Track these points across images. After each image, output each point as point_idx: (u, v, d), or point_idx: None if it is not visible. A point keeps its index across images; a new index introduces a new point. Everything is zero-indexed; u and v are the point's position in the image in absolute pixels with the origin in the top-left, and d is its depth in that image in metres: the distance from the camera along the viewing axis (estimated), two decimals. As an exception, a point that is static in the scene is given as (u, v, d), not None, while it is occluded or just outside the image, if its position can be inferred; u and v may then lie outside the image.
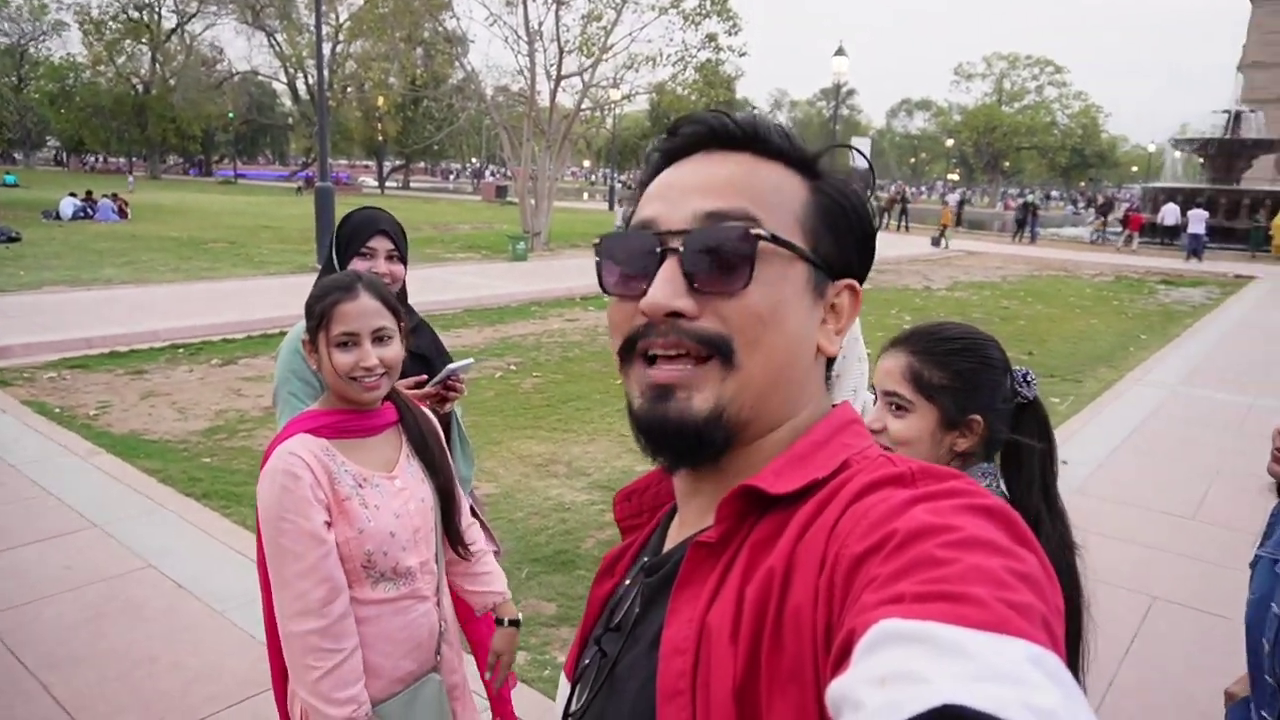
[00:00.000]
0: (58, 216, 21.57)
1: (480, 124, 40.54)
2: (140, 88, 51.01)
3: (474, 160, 66.42)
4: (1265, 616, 1.67)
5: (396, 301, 1.75)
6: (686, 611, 0.63)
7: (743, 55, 22.93)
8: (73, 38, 52.24)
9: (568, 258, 19.09)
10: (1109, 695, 3.27)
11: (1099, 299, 15.56)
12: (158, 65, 51.63)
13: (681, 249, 0.67)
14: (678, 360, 0.67)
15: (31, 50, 55.08)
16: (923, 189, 78.04)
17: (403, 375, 2.32)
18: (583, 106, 22.16)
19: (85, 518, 4.46)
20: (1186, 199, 28.55)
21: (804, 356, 0.70)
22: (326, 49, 36.42)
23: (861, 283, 0.74)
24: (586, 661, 0.77)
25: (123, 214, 22.73)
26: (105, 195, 23.38)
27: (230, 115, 51.80)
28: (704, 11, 21.17)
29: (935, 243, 24.60)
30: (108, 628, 3.46)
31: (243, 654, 3.29)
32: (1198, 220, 23.64)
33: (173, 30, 51.13)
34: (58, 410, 6.39)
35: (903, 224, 31.18)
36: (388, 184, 52.67)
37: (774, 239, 0.67)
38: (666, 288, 0.66)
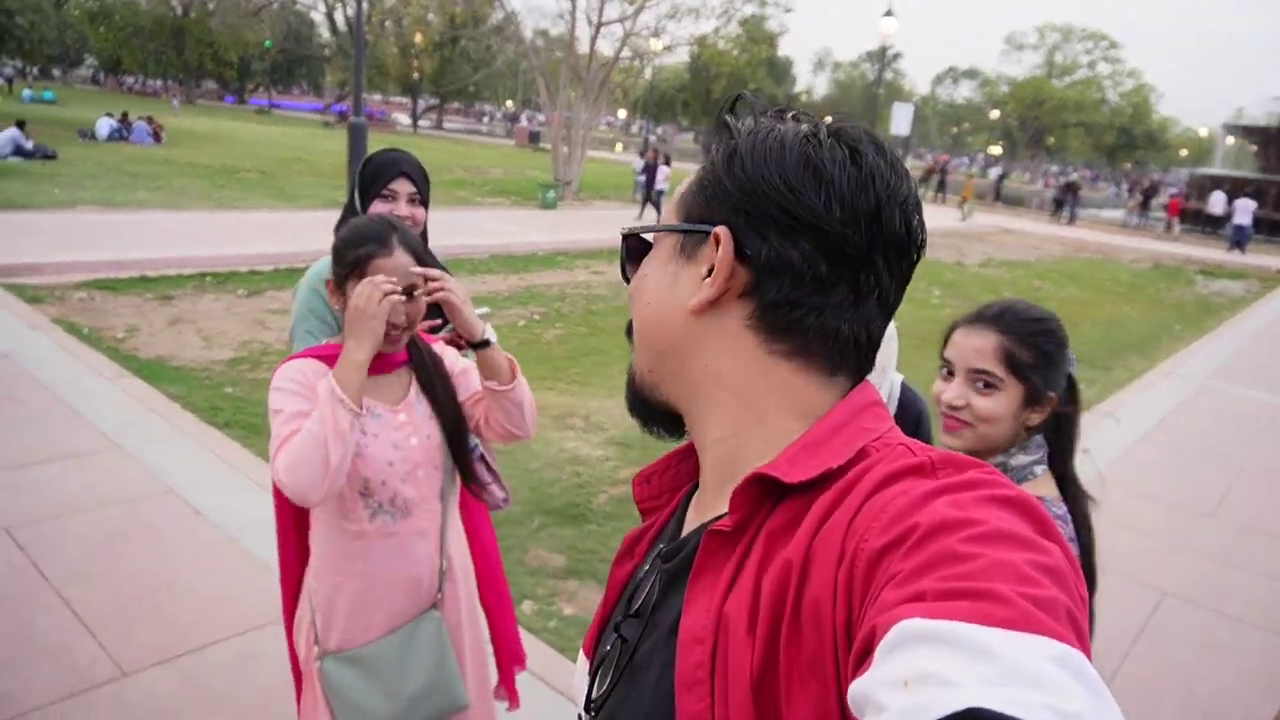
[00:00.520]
0: (93, 136, 21.65)
1: (517, 67, 40.10)
2: (179, 10, 50.77)
3: (509, 104, 65.82)
4: None
5: (425, 254, 1.73)
6: (703, 600, 0.63)
7: (789, 11, 22.47)
8: (115, -45, 51.85)
9: (598, 209, 18.95)
10: (1110, 687, 3.26)
11: (1134, 286, 15.27)
12: (197, -11, 51.35)
13: None
14: None
15: (73, -34, 54.89)
16: (965, 160, 76.51)
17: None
18: (622, 55, 21.82)
19: (109, 439, 4.53)
20: (1234, 187, 27.81)
21: (668, 318, 0.71)
22: (367, -19, 35.96)
23: (783, 225, 0.65)
24: (608, 648, 0.77)
25: (157, 138, 22.78)
26: (141, 118, 23.42)
27: (267, 44, 51.54)
28: (752, -36, 20.68)
29: (962, 217, 24.20)
30: (127, 548, 3.53)
31: (256, 584, 3.35)
32: (1244, 210, 23.01)
33: (214, -47, 50.70)
34: (86, 331, 6.48)
35: (941, 195, 30.67)
36: (421, 123, 52.35)
37: (631, 232, 0.78)
38: None
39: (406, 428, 1.75)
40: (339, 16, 50.99)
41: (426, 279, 1.69)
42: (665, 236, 0.73)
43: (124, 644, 2.93)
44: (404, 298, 1.64)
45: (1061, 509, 1.44)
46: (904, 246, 0.67)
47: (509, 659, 2.16)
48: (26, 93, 35.92)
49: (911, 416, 2.10)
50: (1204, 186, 29.52)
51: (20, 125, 16.48)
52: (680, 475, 0.83)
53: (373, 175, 2.24)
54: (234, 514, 3.87)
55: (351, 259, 1.65)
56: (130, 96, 47.12)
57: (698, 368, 0.70)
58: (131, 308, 7.37)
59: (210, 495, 4.03)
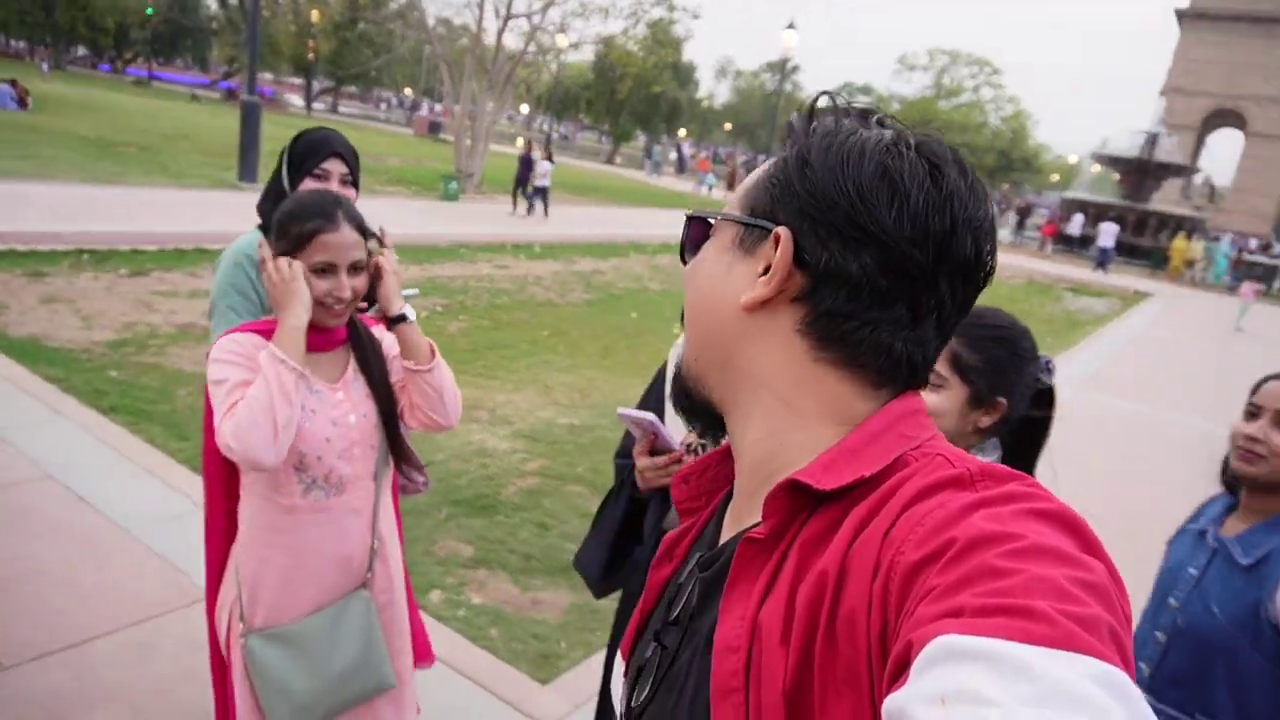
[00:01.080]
0: (-51, 98, 19.95)
1: (420, 54, 39.13)
2: (50, -32, 47.24)
3: (408, 92, 64.20)
4: (1179, 578, 1.83)
5: (367, 229, 1.73)
6: (738, 609, 0.62)
7: (696, 17, 22.79)
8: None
9: (500, 202, 18.75)
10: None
11: (1010, 300, 16.21)
12: (71, -53, 47.89)
13: None
14: None
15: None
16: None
17: None
18: (528, 49, 21.64)
19: (-23, 421, 4.22)
20: (1099, 212, 29.89)
21: (719, 307, 0.70)
22: (262, -46, 34.32)
23: (836, 233, 0.64)
24: (647, 654, 0.76)
25: (23, 103, 21.19)
26: (4, 80, 21.71)
27: (149, 11, 48.50)
28: (661, -32, 20.87)
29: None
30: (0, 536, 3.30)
31: (149, 573, 3.20)
32: (1108, 234, 24.79)
33: (91, -90, 47.39)
34: (-53, 306, 6.00)
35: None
36: (315, 106, 50.41)
37: (693, 215, 0.78)
38: None
39: (344, 405, 1.74)
40: (229, -12, 48.64)
41: (380, 240, 1.69)
42: (727, 225, 0.73)
43: None
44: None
45: None
46: (971, 271, 0.66)
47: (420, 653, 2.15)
48: None
49: None
50: (1075, 210, 31.61)
51: None
52: (719, 477, 0.83)
53: (304, 153, 2.19)
54: (122, 501, 3.68)
55: (296, 233, 1.63)
56: (-9, 57, 43.54)
57: (742, 362, 0.70)
58: (-2, 283, 6.85)
59: (95, 482, 3.81)
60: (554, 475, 4.84)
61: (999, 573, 0.47)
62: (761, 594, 0.61)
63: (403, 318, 1.76)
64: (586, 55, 36.49)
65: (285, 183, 2.22)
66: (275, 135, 17.18)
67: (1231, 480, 1.83)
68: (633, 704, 0.77)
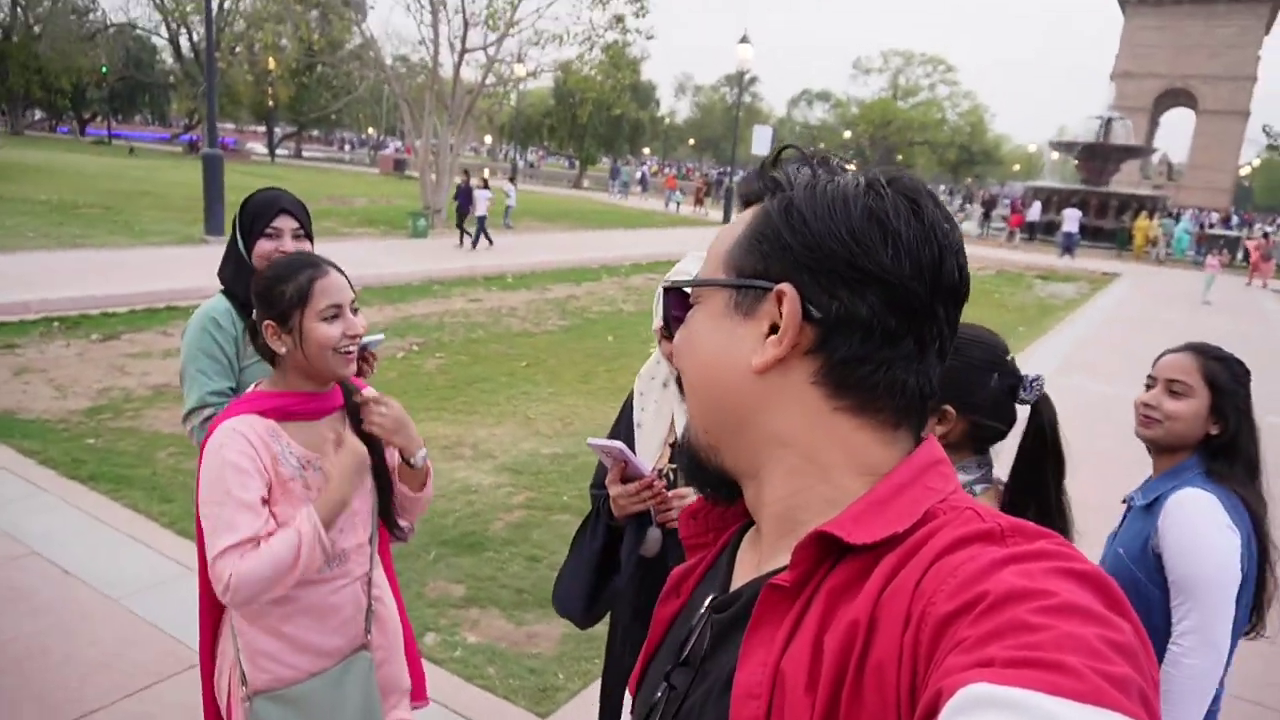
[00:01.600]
0: (-94, 172, 19.77)
1: (379, 94, 39.23)
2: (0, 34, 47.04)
3: (371, 131, 64.31)
4: (1109, 540, 2.06)
5: (341, 274, 1.78)
6: (760, 655, 0.62)
7: (650, 38, 23.00)
8: (-79, -25, 47.49)
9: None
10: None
11: (981, 292, 16.43)
12: (20, 9, 47.67)
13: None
14: None
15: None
16: (820, 178, 79.54)
17: None
18: (487, 81, 21.76)
19: (-43, 502, 4.20)
20: (1061, 199, 30.38)
21: (728, 376, 0.69)
22: (214, 4, 34.33)
23: (850, 281, 0.65)
24: (657, 694, 0.75)
25: (-18, 172, 21.02)
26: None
27: (104, 69, 48.33)
28: (612, -8, 21.06)
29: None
30: (-10, 618, 3.29)
31: (141, 642, 3.20)
32: (1071, 219, 25.20)
33: (38, -26, 47.29)
34: (-82, 386, 5.96)
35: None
36: (278, 152, 50.36)
37: (676, 285, 0.78)
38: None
39: None
40: (184, 41, 48.54)
41: (374, 402, 1.77)
42: (714, 291, 0.72)
43: (-3, 719, 2.74)
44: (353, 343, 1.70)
45: None
46: (958, 294, 0.68)
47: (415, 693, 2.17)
48: None
49: None
50: (1039, 198, 32.09)
51: None
52: (729, 514, 0.82)
53: (254, 215, 2.26)
54: (109, 572, 3.67)
55: (294, 291, 1.65)
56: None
57: (760, 425, 0.69)
58: (-31, 358, 6.81)
59: (81, 554, 3.80)
60: (541, 506, 4.87)
61: (1031, 628, 0.47)
62: (784, 641, 0.61)
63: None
64: (546, 83, 36.76)
65: (241, 247, 2.27)
66: (240, 185, 17.14)
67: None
68: None
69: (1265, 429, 1.98)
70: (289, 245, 2.24)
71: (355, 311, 1.73)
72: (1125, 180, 37.17)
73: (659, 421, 1.95)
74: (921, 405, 0.69)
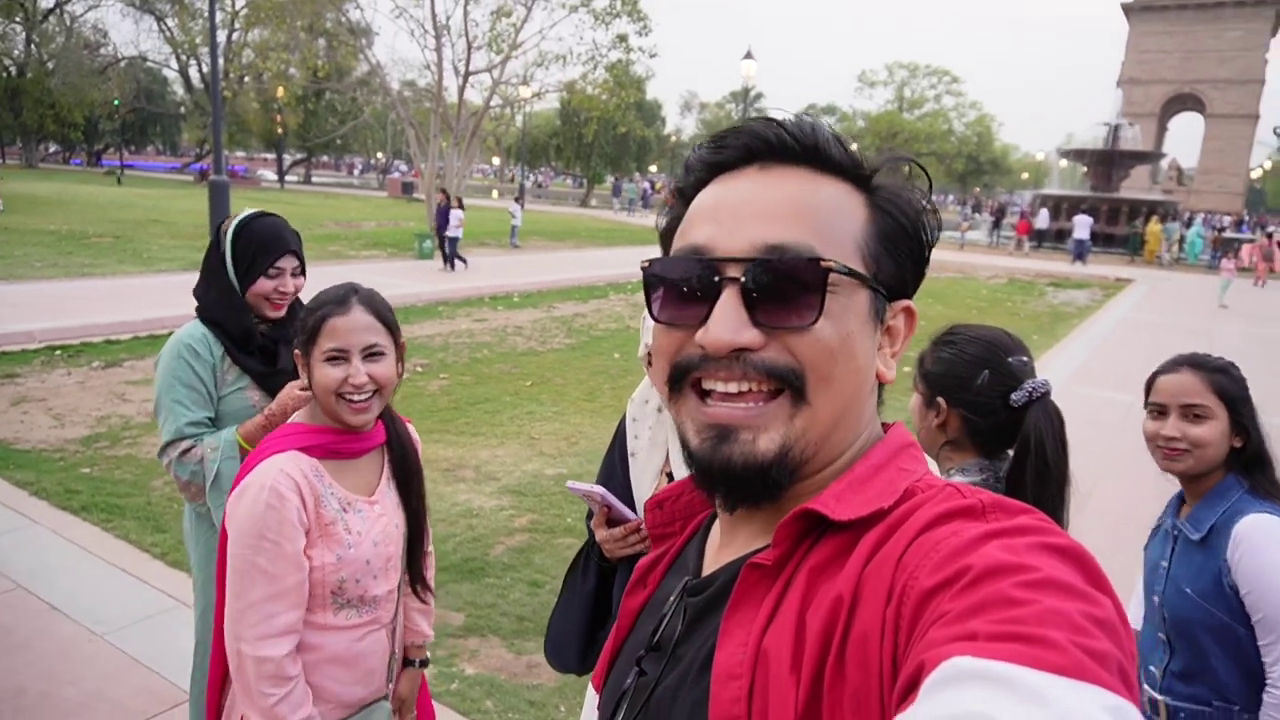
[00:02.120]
0: (-81, 207, 19.96)
1: (386, 119, 39.55)
2: (13, 70, 47.73)
3: (379, 155, 64.85)
4: (1156, 574, 1.90)
5: (393, 317, 1.68)
6: (740, 635, 0.62)
7: (653, 56, 23.05)
8: (-63, 14, 48.28)
9: (476, 255, 18.77)
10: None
11: (994, 300, 16.26)
12: (33, 46, 48.39)
13: (744, 280, 0.64)
14: (742, 397, 0.64)
15: (-111, 26, 50.77)
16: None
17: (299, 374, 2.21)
18: (492, 103, 21.85)
19: (-55, 536, 4.10)
20: (1071, 206, 30.17)
21: (867, 386, 0.70)
22: (221, 36, 34.81)
23: (912, 298, 0.74)
24: (628, 682, 0.74)
25: (-6, 205, 21.19)
26: (-26, 185, 21.76)
27: (116, 102, 48.93)
28: (614, 11, 21.15)
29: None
30: (-31, 657, 3.18)
31: (123, 680, 3.08)
32: (1083, 226, 24.98)
33: (50, 10, 47.99)
34: (-85, 418, 5.89)
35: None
36: (288, 178, 50.77)
37: (841, 270, 0.65)
38: (730, 321, 0.63)
39: (383, 520, 1.69)
40: (194, 72, 49.17)
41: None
42: (859, 289, 0.66)
43: (-32, 765, 2.62)
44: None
45: None
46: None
47: None
48: None
49: None
50: (1047, 206, 31.90)
51: None
52: (694, 504, 0.82)
53: (257, 252, 2.15)
54: (95, 606, 3.55)
55: (311, 325, 1.59)
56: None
57: (860, 433, 0.71)
58: (-32, 389, 6.75)
59: (67, 588, 3.69)
60: (544, 529, 4.73)
61: (1014, 602, 0.47)
62: (766, 620, 0.61)
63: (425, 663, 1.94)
64: (551, 103, 36.96)
65: (234, 279, 2.15)
66: (246, 212, 17.26)
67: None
68: None
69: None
70: (289, 284, 2.19)
71: (377, 357, 1.60)
72: (1135, 186, 36.89)
73: (654, 452, 1.80)
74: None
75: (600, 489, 1.62)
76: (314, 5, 21.32)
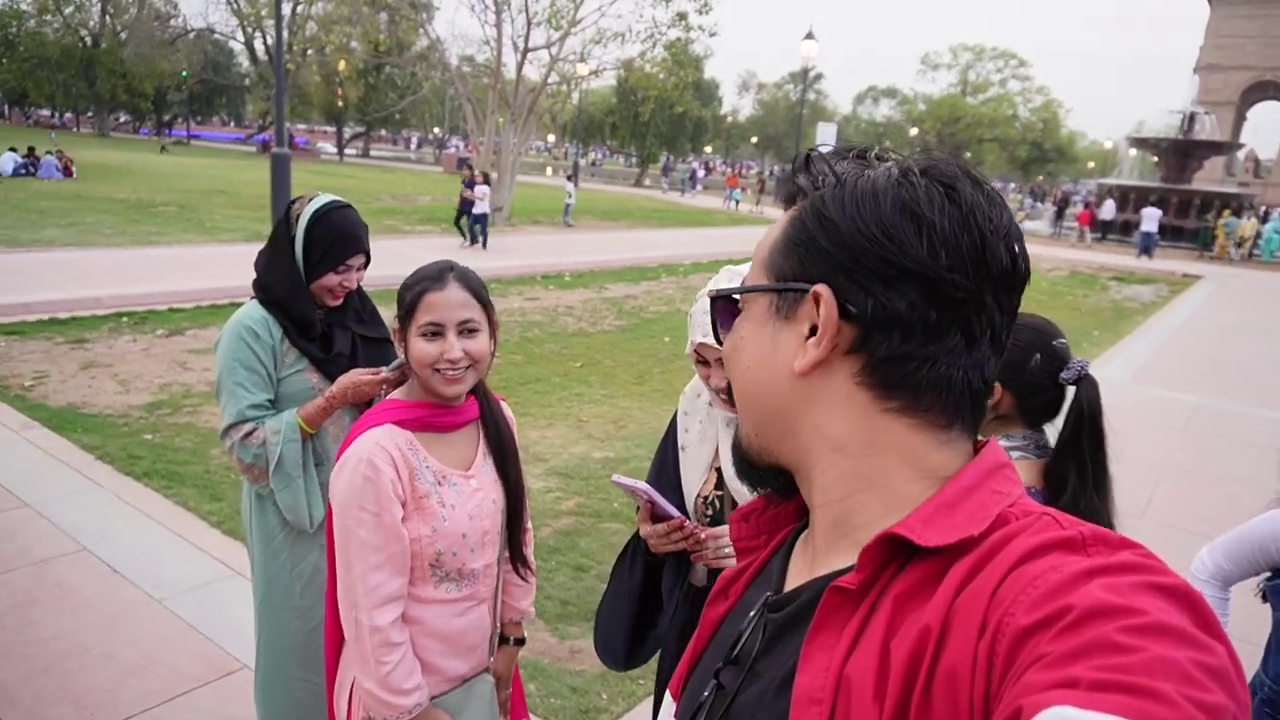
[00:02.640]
0: (-3, 172, 20.72)
1: (444, 94, 39.83)
2: (89, 40, 49.16)
3: (436, 130, 65.41)
4: None
5: (487, 294, 1.72)
6: (822, 659, 0.61)
7: (713, 35, 22.71)
8: (17, -16, 49.79)
9: (529, 234, 18.87)
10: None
11: (1054, 293, 15.82)
12: (108, 17, 49.78)
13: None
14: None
15: (-28, -4, 52.59)
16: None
17: (358, 363, 2.23)
18: (549, 80, 21.83)
19: (16, 496, 4.26)
20: (1139, 197, 29.16)
21: (772, 380, 0.69)
22: (286, 9, 35.22)
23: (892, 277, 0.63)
24: (706, 694, 0.74)
25: (68, 172, 21.91)
26: (50, 151, 22.50)
27: (184, 73, 50.10)
28: (675, -11, 20.91)
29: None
30: (36, 615, 3.30)
31: (179, 646, 3.17)
32: (1150, 218, 24.14)
33: (124, -18, 49.23)
34: (-9, 379, 6.12)
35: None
36: (347, 151, 51.53)
37: (726, 293, 0.75)
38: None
39: (479, 494, 1.72)
40: (259, 45, 50.06)
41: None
42: (757, 297, 0.71)
43: (34, 721, 2.72)
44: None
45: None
46: (1010, 279, 0.64)
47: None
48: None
49: None
50: (1114, 196, 30.89)
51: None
52: (781, 516, 0.81)
53: (329, 246, 2.16)
54: (153, 571, 3.67)
55: (408, 301, 1.64)
56: (37, 130, 45.31)
57: (807, 429, 0.68)
58: (40, 353, 7.00)
59: (128, 552, 3.81)
60: (590, 513, 4.74)
61: (1119, 648, 0.45)
62: (849, 645, 0.60)
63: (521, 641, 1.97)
64: (608, 81, 36.83)
65: (300, 266, 2.17)
66: (307, 184, 17.52)
67: None
68: None
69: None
70: (353, 280, 2.23)
71: (472, 332, 1.65)
72: (1207, 178, 35.48)
73: (704, 445, 1.80)
74: (974, 401, 0.66)
75: (644, 485, 1.62)
76: (376, -20, 21.49)
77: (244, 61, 58.79)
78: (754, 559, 0.82)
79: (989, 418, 1.65)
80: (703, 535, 1.66)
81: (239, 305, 2.23)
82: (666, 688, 1.95)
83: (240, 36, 52.06)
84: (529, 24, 20.31)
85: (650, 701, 2.41)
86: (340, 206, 2.22)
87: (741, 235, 22.32)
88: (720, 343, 0.77)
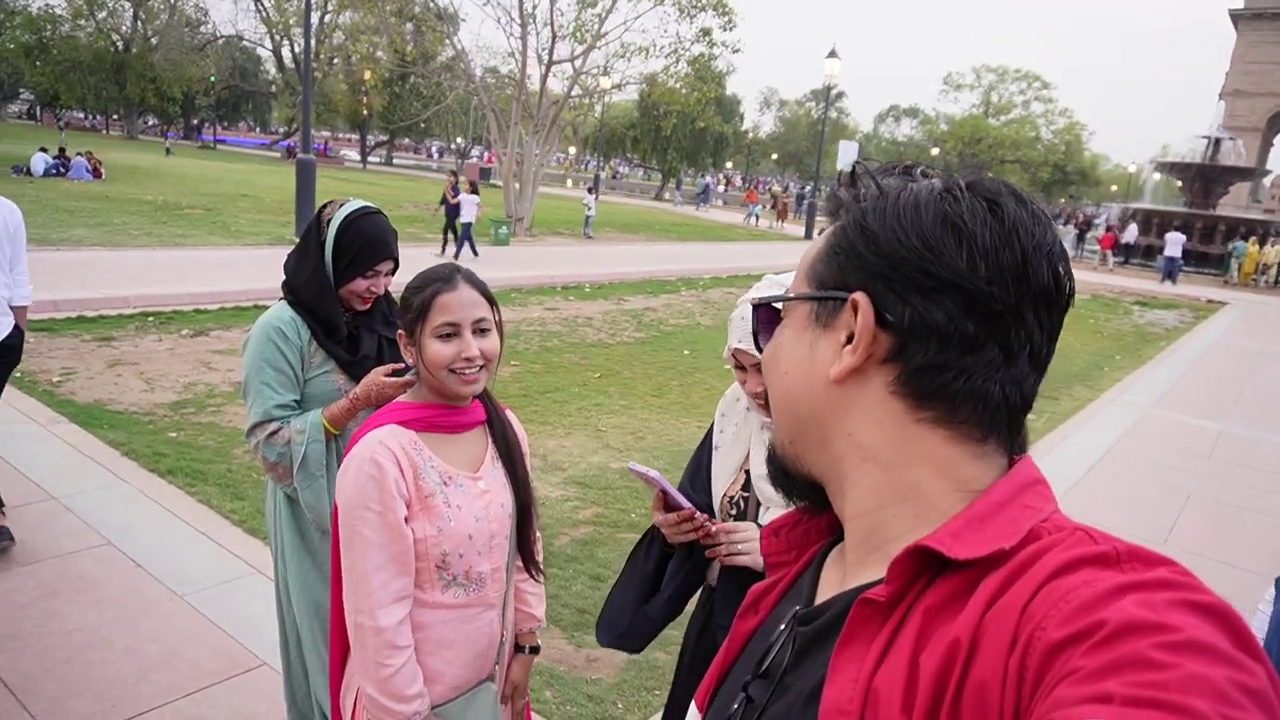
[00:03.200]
0: (28, 172, 21.05)
1: (468, 104, 40.15)
2: (120, 45, 49.95)
3: (459, 140, 65.98)
4: None
5: (492, 293, 1.74)
6: (850, 671, 0.61)
7: (736, 51, 22.83)
8: (52, -12, 50.75)
9: (550, 244, 18.96)
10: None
11: (1075, 316, 15.62)
12: (139, 22, 50.59)
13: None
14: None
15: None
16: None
17: (381, 361, 2.25)
18: (572, 93, 21.98)
19: (43, 489, 4.31)
20: (1163, 221, 28.94)
21: (808, 387, 0.70)
22: (315, 18, 35.85)
23: (924, 290, 0.63)
24: (734, 706, 0.75)
25: (96, 173, 22.23)
26: (80, 153, 22.85)
27: (212, 79, 50.81)
28: (699, 4, 21.04)
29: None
30: (60, 606, 3.33)
31: (200, 641, 3.19)
32: (1174, 243, 23.94)
33: (157, -12, 50.06)
34: (19, 375, 6.18)
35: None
36: (370, 159, 51.99)
37: (767, 301, 0.78)
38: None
39: (486, 496, 1.71)
40: (286, 53, 50.67)
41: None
42: (798, 304, 0.72)
43: (57, 712, 2.74)
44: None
45: None
46: (1053, 297, 0.64)
47: None
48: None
49: None
50: (1137, 220, 30.68)
51: (-50, 161, 15.94)
52: (812, 532, 0.82)
53: (358, 252, 2.19)
54: (176, 567, 3.70)
55: (418, 304, 1.65)
56: (68, 132, 46.04)
57: (841, 437, 0.68)
58: (68, 350, 7.09)
59: (152, 547, 3.84)
60: (608, 523, 4.74)
61: (1153, 664, 0.45)
62: (877, 658, 0.60)
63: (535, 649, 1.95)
64: (631, 95, 37.03)
65: (329, 270, 2.20)
66: (331, 190, 17.68)
67: None
68: None
69: None
70: (381, 285, 2.25)
71: (484, 332, 1.67)
72: (1232, 204, 35.23)
73: (736, 446, 1.83)
74: (1009, 416, 0.66)
75: (656, 474, 1.64)
76: (404, -10, 21.74)
77: (271, 68, 59.60)
78: (785, 574, 0.82)
79: None
80: (713, 529, 1.68)
81: (262, 308, 2.26)
82: (677, 711, 1.96)
83: (268, 44, 52.75)
84: (554, 37, 20.51)
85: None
86: (370, 213, 2.25)
87: (761, 251, 22.34)
88: (760, 349, 0.78)
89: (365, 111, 47.83)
